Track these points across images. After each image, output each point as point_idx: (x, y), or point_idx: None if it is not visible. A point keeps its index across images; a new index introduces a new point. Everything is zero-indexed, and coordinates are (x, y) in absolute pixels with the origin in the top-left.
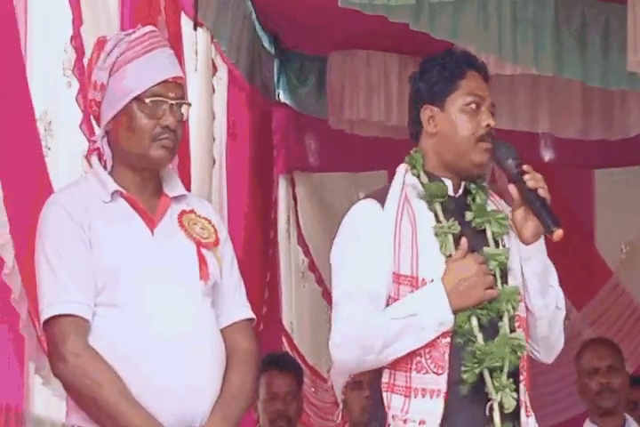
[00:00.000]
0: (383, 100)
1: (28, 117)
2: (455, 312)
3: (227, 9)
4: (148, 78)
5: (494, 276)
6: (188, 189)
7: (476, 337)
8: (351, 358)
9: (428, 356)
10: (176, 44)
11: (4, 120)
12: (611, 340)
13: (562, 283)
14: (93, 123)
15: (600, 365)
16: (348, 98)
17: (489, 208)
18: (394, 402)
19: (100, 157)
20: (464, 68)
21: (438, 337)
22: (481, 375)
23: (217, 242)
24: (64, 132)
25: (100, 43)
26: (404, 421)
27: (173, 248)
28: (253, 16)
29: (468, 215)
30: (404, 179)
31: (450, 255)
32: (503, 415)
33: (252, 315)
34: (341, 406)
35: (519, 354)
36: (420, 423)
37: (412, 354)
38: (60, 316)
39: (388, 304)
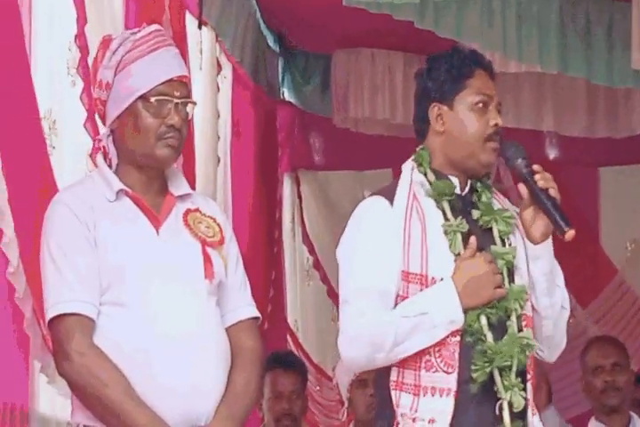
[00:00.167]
0: (388, 98)
1: (32, 116)
2: (465, 311)
3: (231, 7)
4: (153, 77)
5: (502, 274)
6: (193, 188)
7: (485, 336)
8: (361, 356)
9: (437, 354)
10: (180, 42)
11: (9, 119)
12: (615, 338)
13: (567, 281)
14: (98, 122)
15: (605, 363)
16: (353, 96)
17: (495, 207)
18: (402, 400)
19: (105, 156)
20: (472, 66)
21: (448, 336)
22: (490, 374)
23: (222, 241)
24: (68, 131)
25: (106, 41)
26: (413, 419)
27: (178, 247)
28: (258, 14)
29: (475, 213)
30: (412, 176)
31: (459, 254)
32: (512, 414)
33: (257, 314)
34: (346, 404)
35: (527, 353)
36: (429, 422)
37: (421, 352)
38: (65, 315)
39: (396, 302)
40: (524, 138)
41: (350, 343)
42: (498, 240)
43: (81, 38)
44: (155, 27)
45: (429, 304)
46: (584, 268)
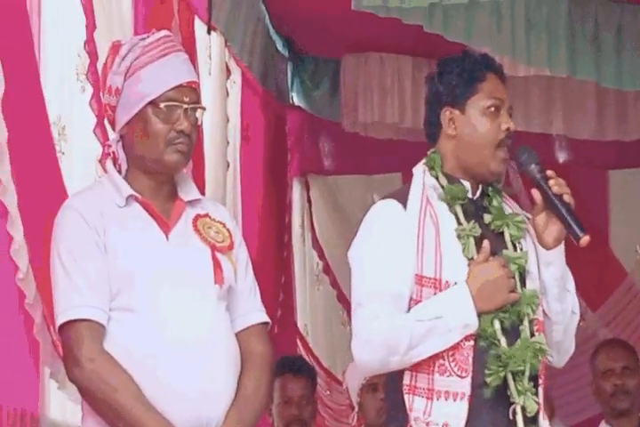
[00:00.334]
0: (397, 102)
1: (42, 122)
2: (479, 315)
3: (240, 12)
4: (162, 83)
5: (514, 279)
6: (203, 193)
7: (499, 340)
8: (375, 360)
9: (451, 359)
10: (190, 48)
11: (19, 125)
12: (626, 341)
13: (576, 284)
14: (107, 127)
15: (614, 366)
16: (362, 100)
17: (506, 211)
18: (416, 404)
19: (115, 162)
20: (484, 70)
21: (462, 340)
22: (504, 379)
23: (231, 246)
24: (78, 137)
25: (115, 47)
26: (427, 423)
27: (188, 252)
28: (267, 19)
29: (487, 218)
30: (424, 180)
31: (472, 258)
32: (526, 419)
33: (266, 319)
34: (357, 408)
35: (540, 358)
36: (443, 426)
37: (435, 356)
38: (75, 320)
39: (409, 306)
40: (533, 141)
41: (364, 347)
42: (509, 245)
43: (90, 44)
44: (164, 32)
45: (444, 308)
46: (594, 271)
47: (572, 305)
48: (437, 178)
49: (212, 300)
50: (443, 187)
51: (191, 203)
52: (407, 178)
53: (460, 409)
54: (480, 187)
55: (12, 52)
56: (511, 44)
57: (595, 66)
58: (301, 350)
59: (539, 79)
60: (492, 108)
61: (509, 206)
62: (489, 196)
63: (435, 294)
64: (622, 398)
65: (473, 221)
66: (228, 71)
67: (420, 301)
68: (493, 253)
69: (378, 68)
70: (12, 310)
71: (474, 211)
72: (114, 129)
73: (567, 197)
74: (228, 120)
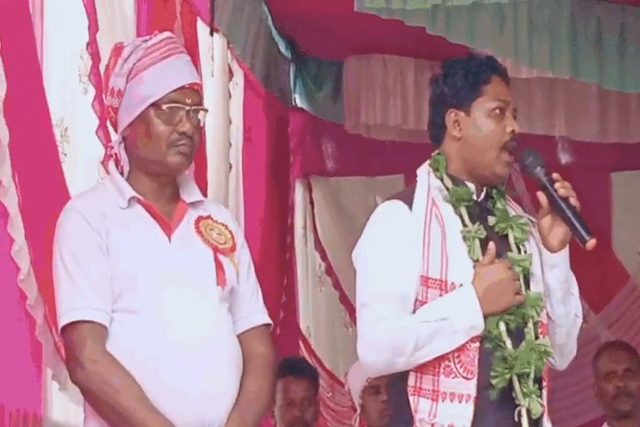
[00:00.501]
0: (399, 104)
1: (44, 124)
2: (485, 317)
3: (242, 14)
4: (164, 85)
5: (519, 281)
6: (205, 195)
7: (504, 342)
8: (380, 360)
9: (457, 360)
10: (192, 49)
11: (21, 127)
12: (628, 343)
13: (579, 286)
14: (110, 129)
15: (617, 368)
16: (365, 102)
17: (510, 213)
18: (421, 406)
19: (117, 164)
20: (488, 72)
21: (468, 342)
22: (509, 381)
23: (234, 248)
24: (80, 139)
25: (117, 49)
26: (432, 425)
27: (190, 254)
28: (269, 21)
29: (491, 220)
30: (429, 181)
31: (477, 260)
32: (530, 421)
33: (268, 320)
34: (359, 410)
35: (544, 360)
36: None
37: (440, 358)
38: (77, 322)
39: (414, 307)
40: (535, 143)
41: (369, 348)
42: (514, 247)
43: (92, 46)
44: (166, 34)
45: (450, 310)
46: (596, 273)
47: (576, 308)
48: (442, 179)
49: (214, 301)
50: (447, 188)
51: (193, 204)
52: (410, 179)
53: (466, 411)
54: (484, 189)
55: (14, 53)
56: (514, 46)
57: (597, 68)
58: (304, 352)
59: (541, 81)
60: (497, 111)
61: (513, 209)
62: (493, 198)
63: (440, 295)
64: (624, 400)
65: (478, 222)
66: (231, 73)
67: (425, 302)
68: (498, 255)
69: (380, 70)
70: (15, 311)
71: (478, 213)
72: (116, 131)
73: (573, 201)
74: (230, 122)
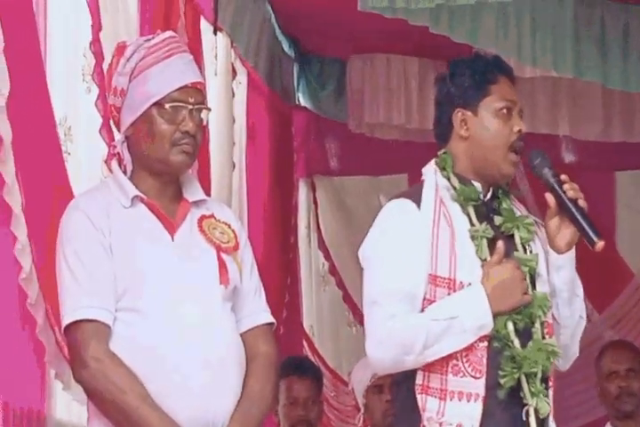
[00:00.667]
0: (403, 103)
1: (48, 123)
2: (493, 316)
3: (246, 13)
4: (167, 84)
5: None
6: (208, 194)
7: (512, 342)
8: (389, 358)
9: (465, 359)
10: (195, 48)
11: (25, 125)
12: (631, 343)
13: (583, 286)
14: (113, 128)
15: (619, 368)
16: (368, 101)
17: (516, 214)
18: (429, 404)
19: (120, 162)
20: (495, 72)
21: (476, 341)
22: (517, 380)
23: (237, 247)
24: (84, 138)
25: (120, 48)
26: (440, 424)
27: (193, 253)
28: (273, 20)
29: (497, 220)
30: (437, 180)
31: (485, 259)
32: (538, 420)
33: (271, 319)
34: (362, 409)
35: (552, 360)
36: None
37: (449, 357)
38: (81, 321)
39: (422, 305)
40: (539, 142)
41: (378, 345)
42: (520, 247)
43: (96, 45)
44: (169, 33)
45: (459, 308)
46: (600, 272)
47: (580, 310)
48: (449, 179)
49: (217, 300)
50: (455, 187)
51: (196, 203)
52: (413, 179)
53: (475, 410)
54: (490, 189)
55: (18, 52)
56: (517, 46)
57: (601, 67)
58: (307, 351)
59: (545, 80)
60: (504, 110)
61: (518, 209)
62: (499, 198)
63: (448, 294)
64: (627, 400)
65: (485, 222)
66: (234, 72)
67: (433, 300)
68: (505, 254)
69: (384, 69)
70: (16, 309)
71: (485, 212)
72: (119, 130)
73: (582, 202)
74: (233, 121)
